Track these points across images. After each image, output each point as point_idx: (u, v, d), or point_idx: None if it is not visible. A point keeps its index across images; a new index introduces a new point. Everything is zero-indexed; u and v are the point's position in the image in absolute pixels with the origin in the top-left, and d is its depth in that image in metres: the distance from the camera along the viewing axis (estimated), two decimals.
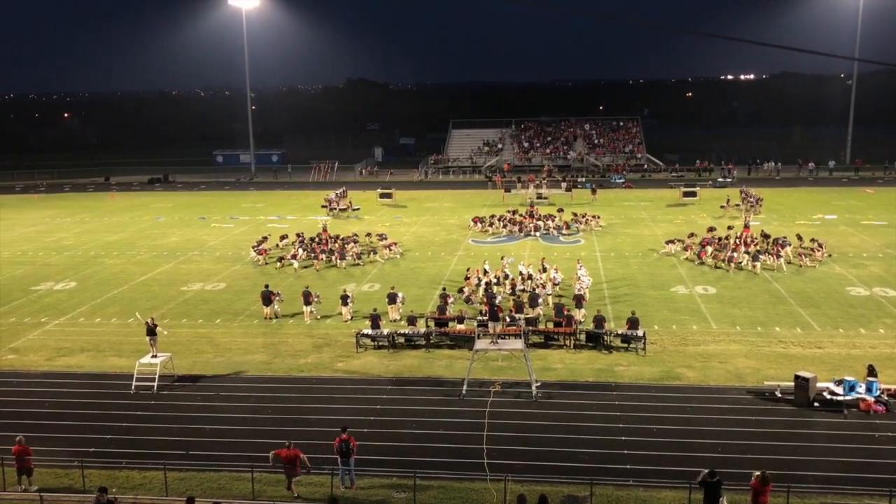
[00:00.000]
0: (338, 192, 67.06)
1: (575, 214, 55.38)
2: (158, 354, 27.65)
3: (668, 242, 46.07)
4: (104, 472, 20.91)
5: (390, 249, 46.54)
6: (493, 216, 55.66)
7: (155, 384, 26.61)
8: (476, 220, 55.38)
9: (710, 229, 48.96)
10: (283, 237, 50.78)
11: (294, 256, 44.46)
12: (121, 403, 25.71)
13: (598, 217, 55.56)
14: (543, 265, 39.04)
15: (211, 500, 19.12)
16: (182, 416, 24.73)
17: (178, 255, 48.70)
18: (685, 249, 45.01)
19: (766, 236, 46.00)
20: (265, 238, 49.18)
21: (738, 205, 59.81)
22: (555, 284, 37.02)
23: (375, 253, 46.29)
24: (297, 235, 49.70)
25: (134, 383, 26.71)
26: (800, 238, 45.48)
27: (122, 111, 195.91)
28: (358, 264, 44.33)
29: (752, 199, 59.38)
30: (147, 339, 27.82)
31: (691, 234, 47.18)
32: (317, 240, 48.19)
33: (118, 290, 40.46)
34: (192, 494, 18.48)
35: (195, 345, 31.36)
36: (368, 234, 50.14)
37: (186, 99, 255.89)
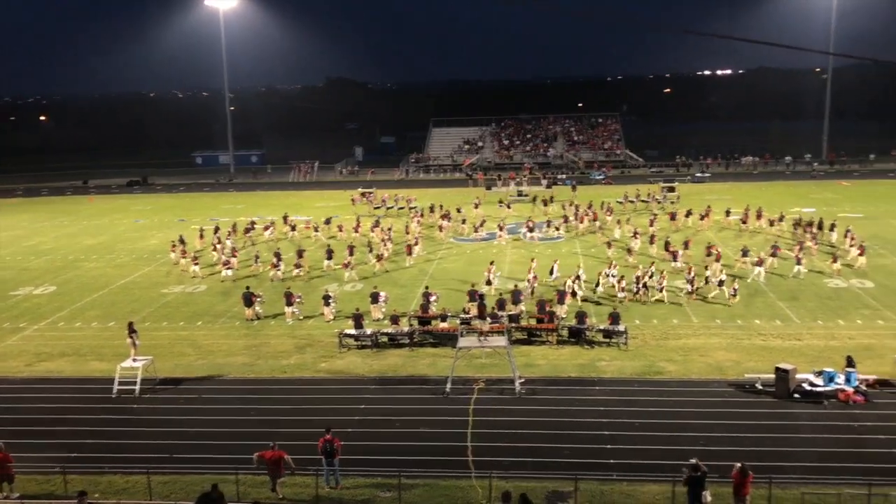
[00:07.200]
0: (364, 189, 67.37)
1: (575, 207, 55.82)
2: (139, 358, 27.44)
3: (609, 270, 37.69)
4: (86, 478, 20.70)
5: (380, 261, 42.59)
6: (459, 209, 56.45)
7: (137, 388, 26.42)
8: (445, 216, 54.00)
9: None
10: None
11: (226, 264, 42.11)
12: (102, 408, 25.53)
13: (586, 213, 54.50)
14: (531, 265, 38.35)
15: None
16: (165, 419, 24.60)
17: (158, 257, 48.34)
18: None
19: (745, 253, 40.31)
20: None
21: (646, 200, 61.16)
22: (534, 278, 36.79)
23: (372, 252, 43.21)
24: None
25: (115, 387, 26.50)
26: (832, 228, 45.35)
27: (99, 114, 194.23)
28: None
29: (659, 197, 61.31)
30: (128, 342, 27.64)
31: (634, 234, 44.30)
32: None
33: (98, 293, 40.13)
34: (177, 498, 18.35)
35: (177, 347, 31.17)
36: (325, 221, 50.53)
37: (164, 101, 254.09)
